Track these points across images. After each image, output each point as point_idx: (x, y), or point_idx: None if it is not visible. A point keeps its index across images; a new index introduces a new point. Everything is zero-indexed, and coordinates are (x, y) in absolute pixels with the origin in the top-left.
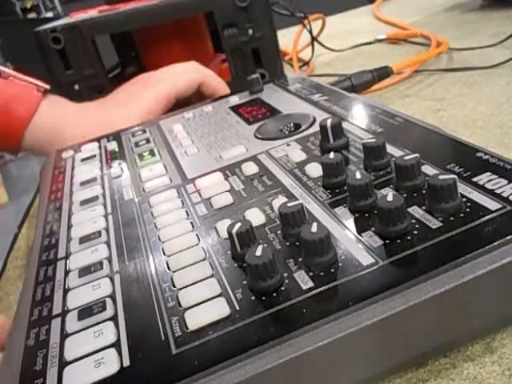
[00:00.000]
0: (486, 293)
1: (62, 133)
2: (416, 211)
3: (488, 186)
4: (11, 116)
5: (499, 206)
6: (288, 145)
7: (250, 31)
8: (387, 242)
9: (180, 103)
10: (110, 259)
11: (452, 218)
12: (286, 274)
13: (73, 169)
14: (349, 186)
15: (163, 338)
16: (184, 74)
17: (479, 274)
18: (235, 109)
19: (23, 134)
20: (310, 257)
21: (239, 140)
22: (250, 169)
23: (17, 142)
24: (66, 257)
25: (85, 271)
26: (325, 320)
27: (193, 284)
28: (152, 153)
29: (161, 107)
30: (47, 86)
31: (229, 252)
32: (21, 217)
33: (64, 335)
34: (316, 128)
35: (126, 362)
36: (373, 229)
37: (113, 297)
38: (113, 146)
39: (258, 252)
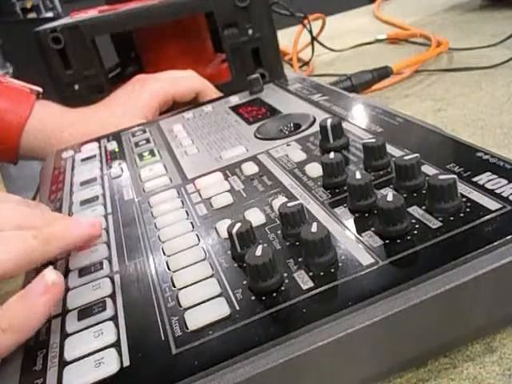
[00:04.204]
0: (486, 293)
1: (59, 133)
2: (416, 211)
3: (488, 185)
4: (6, 119)
5: (499, 205)
6: (288, 145)
7: (250, 31)
8: (387, 241)
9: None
10: (109, 259)
11: (452, 218)
12: (285, 274)
13: (73, 169)
14: (349, 185)
15: (163, 337)
16: (184, 79)
17: (479, 273)
18: (235, 109)
19: (20, 136)
20: (310, 257)
21: (239, 140)
22: (250, 169)
23: (15, 147)
24: (66, 257)
25: (85, 271)
26: (325, 320)
27: (193, 284)
28: (152, 153)
29: (157, 103)
30: (40, 89)
31: (229, 252)
32: None
33: (64, 335)
34: (316, 128)
35: (126, 362)
36: (373, 229)
37: (113, 297)
38: (113, 146)
39: (258, 252)
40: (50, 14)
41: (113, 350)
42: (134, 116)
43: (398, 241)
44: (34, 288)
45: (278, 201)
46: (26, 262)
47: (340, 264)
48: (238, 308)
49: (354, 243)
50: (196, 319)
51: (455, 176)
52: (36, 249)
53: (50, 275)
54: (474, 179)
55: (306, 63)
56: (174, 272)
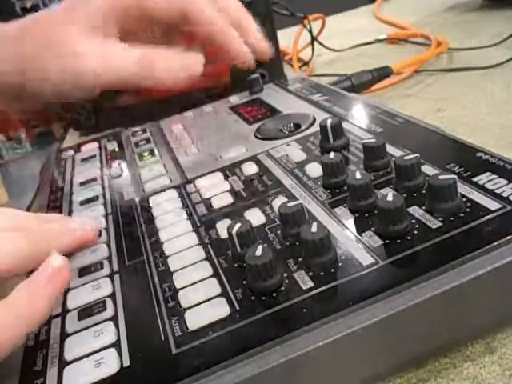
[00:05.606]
0: (486, 293)
1: None
2: (416, 211)
3: (488, 185)
4: None
5: (499, 205)
6: (288, 145)
7: None
8: (387, 241)
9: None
10: (110, 259)
11: (452, 218)
12: (285, 274)
13: (73, 169)
14: (349, 186)
15: (163, 337)
16: None
17: (479, 273)
18: (235, 109)
19: None
20: (310, 257)
21: (239, 140)
22: (250, 169)
23: None
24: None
25: (85, 271)
26: (325, 320)
27: (193, 284)
28: (152, 153)
29: (115, 16)
30: None
31: (229, 252)
32: None
33: (64, 335)
34: (316, 128)
35: (126, 362)
36: (373, 229)
37: (113, 297)
38: (113, 145)
39: (258, 252)
40: None
41: (113, 350)
42: (83, 24)
43: (398, 241)
44: (38, 278)
45: (278, 201)
46: (13, 263)
47: (340, 264)
48: (238, 308)
49: (354, 243)
50: (196, 319)
51: (455, 176)
52: (23, 249)
53: (56, 260)
54: (474, 179)
55: (306, 63)
56: (174, 272)
